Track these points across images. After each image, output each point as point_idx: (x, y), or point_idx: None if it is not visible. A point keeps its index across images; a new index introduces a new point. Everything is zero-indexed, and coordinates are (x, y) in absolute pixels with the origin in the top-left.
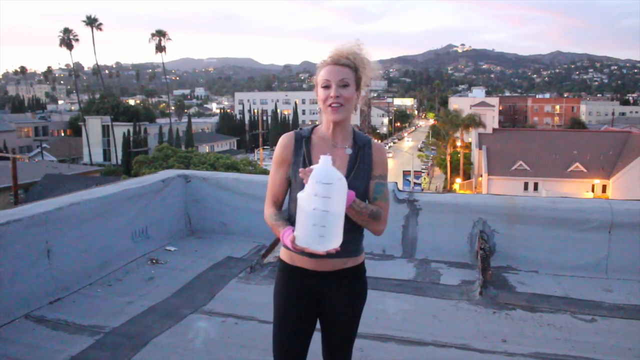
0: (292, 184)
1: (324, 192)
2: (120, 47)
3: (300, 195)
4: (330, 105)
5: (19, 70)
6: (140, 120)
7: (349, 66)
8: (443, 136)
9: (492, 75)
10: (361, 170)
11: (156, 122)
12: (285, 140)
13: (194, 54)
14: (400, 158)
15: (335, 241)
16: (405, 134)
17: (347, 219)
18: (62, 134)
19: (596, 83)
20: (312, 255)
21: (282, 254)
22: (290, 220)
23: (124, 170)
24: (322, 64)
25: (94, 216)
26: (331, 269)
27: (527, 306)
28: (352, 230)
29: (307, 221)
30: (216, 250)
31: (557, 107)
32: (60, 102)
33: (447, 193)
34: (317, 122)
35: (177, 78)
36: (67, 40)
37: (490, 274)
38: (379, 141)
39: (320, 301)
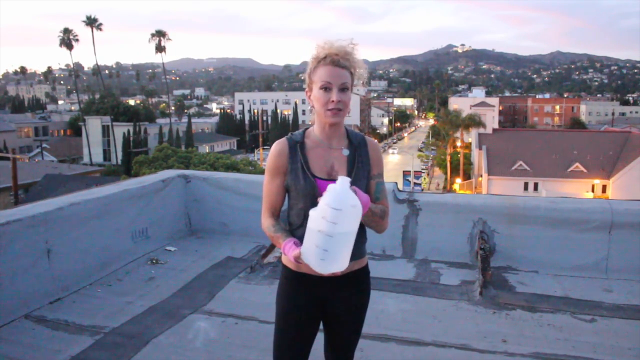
0: (290, 193)
1: (331, 217)
2: (120, 47)
3: (311, 212)
4: (330, 110)
5: (19, 70)
6: (140, 121)
7: (347, 68)
8: (443, 136)
9: (492, 76)
10: (360, 170)
11: (156, 122)
12: (278, 148)
13: (194, 54)
14: (401, 158)
15: (337, 265)
16: (406, 134)
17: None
18: (62, 134)
19: (596, 83)
20: None
21: (286, 260)
22: (291, 229)
23: (124, 170)
24: (319, 62)
25: (94, 216)
26: (337, 274)
27: (527, 306)
28: (357, 233)
29: (311, 241)
30: (216, 250)
31: (557, 107)
32: (60, 102)
33: (447, 193)
34: (309, 123)
35: (177, 78)
36: (67, 40)
37: (490, 274)
38: (377, 140)
39: (326, 306)
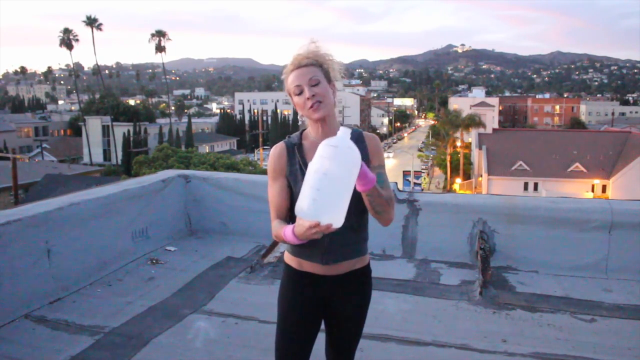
0: (293, 193)
1: (326, 154)
2: (120, 47)
3: (310, 163)
4: (310, 107)
5: (19, 70)
6: (140, 121)
7: (313, 64)
8: (443, 136)
9: (492, 76)
10: None
11: (156, 122)
12: (276, 151)
13: (194, 54)
14: (401, 158)
15: (329, 213)
16: (405, 134)
17: (357, 217)
18: (62, 134)
19: (596, 83)
20: (322, 260)
21: (289, 259)
22: None
23: (124, 170)
24: (286, 73)
25: (94, 216)
26: (341, 272)
27: (527, 306)
28: (360, 230)
29: (305, 183)
30: (216, 250)
31: (557, 107)
32: (60, 102)
33: (447, 193)
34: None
35: (177, 78)
36: (67, 40)
37: (490, 274)
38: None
39: (328, 305)
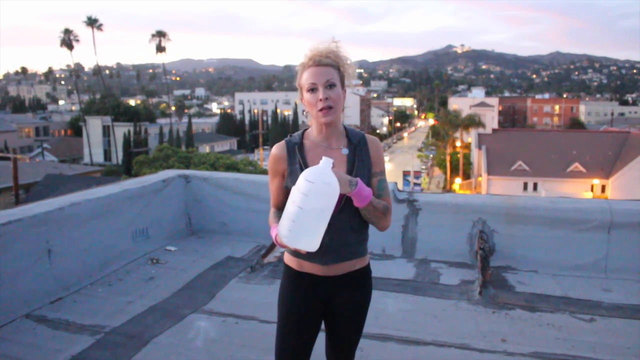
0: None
1: (303, 189)
2: (120, 48)
3: (293, 187)
4: (321, 110)
5: (20, 70)
6: (141, 121)
7: (332, 65)
8: (443, 136)
9: (492, 76)
10: (361, 169)
11: (156, 123)
12: (277, 151)
13: (194, 54)
14: (401, 158)
15: (304, 242)
16: (405, 134)
17: (357, 218)
18: (63, 134)
19: (595, 83)
20: (321, 261)
21: (289, 259)
22: None
23: (125, 170)
24: (303, 66)
25: (94, 216)
26: (341, 273)
27: (526, 306)
28: (360, 231)
29: (285, 212)
30: (216, 250)
31: (557, 107)
32: (61, 102)
33: (446, 193)
34: (308, 124)
35: (178, 78)
36: (68, 40)
37: (490, 273)
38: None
39: (328, 305)
